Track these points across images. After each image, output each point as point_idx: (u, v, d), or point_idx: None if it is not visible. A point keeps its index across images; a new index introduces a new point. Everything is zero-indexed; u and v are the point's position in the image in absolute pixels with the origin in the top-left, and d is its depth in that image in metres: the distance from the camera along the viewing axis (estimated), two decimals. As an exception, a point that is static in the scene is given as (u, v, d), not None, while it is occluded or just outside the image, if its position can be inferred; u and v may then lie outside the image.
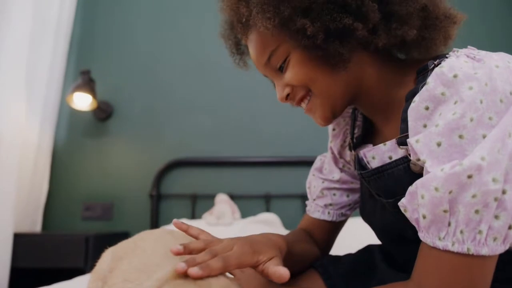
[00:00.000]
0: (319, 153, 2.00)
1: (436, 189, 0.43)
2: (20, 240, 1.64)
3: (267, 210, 2.00)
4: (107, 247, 0.62)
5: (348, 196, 0.80)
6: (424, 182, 0.45)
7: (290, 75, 0.60)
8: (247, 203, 2.03)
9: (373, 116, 0.66)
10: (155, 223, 2.00)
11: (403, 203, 0.49)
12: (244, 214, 1.98)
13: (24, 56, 1.86)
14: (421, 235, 0.47)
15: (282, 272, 0.48)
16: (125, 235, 1.99)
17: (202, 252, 0.48)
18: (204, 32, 2.22)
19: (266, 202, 2.02)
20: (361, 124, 0.73)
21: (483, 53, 0.51)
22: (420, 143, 0.47)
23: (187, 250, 0.48)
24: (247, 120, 2.15)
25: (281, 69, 0.62)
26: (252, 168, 2.10)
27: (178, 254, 0.47)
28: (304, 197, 2.01)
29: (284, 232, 1.81)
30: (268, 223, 1.82)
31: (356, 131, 0.73)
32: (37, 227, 1.97)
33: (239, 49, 0.72)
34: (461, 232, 0.43)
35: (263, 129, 2.14)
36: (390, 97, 0.61)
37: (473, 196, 0.42)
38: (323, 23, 0.54)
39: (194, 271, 0.43)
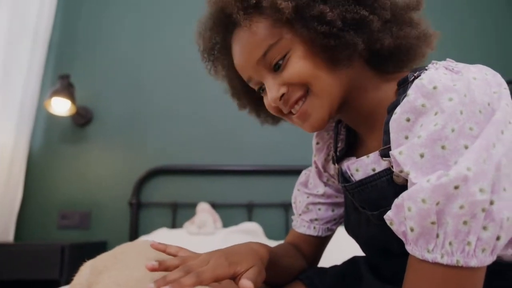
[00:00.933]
0: (302, 162, 2.01)
1: (423, 200, 0.43)
2: (-8, 250, 1.56)
3: (250, 219, 1.98)
4: (85, 259, 0.59)
5: (333, 210, 0.79)
6: (411, 194, 0.45)
7: (291, 70, 0.58)
8: (229, 212, 2.01)
9: (357, 127, 0.66)
10: (134, 232, 1.95)
11: (389, 216, 0.48)
12: (226, 223, 1.95)
13: (0, 59, 1.80)
14: (409, 248, 0.47)
15: (244, 284, 0.46)
16: (103, 245, 1.94)
17: (176, 269, 0.47)
18: (187, 39, 2.19)
19: (249, 211, 2.00)
20: (344, 138, 0.73)
21: (461, 65, 0.52)
22: (404, 155, 0.47)
23: (162, 267, 0.47)
24: (229, 128, 2.13)
25: (276, 67, 0.59)
26: (234, 177, 2.07)
27: (153, 270, 0.46)
28: (286, 206, 2.00)
29: (266, 241, 1.80)
30: (250, 233, 1.80)
31: (339, 144, 0.73)
32: (9, 237, 1.89)
33: (212, 55, 0.68)
34: (450, 243, 0.43)
35: (245, 138, 2.13)
36: (374, 107, 0.61)
37: (461, 207, 0.42)
38: (341, 12, 0.54)
39: None
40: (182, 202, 2.01)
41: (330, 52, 0.56)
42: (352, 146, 0.72)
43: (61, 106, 1.93)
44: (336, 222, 0.80)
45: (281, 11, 0.54)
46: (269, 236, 1.92)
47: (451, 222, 0.42)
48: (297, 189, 0.83)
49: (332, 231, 0.81)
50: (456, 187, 0.42)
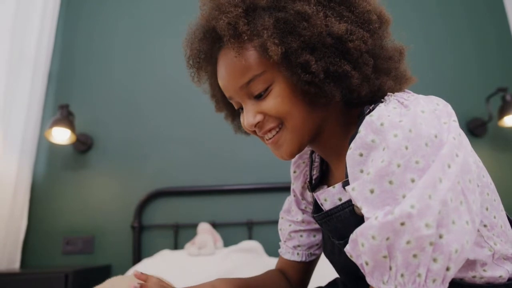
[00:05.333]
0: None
1: (373, 237, 0.45)
2: (-3, 280, 1.60)
3: (250, 237, 2.01)
4: (89, 284, 0.64)
5: (314, 236, 0.82)
6: (362, 230, 0.47)
7: (270, 104, 0.60)
8: (230, 231, 2.03)
9: (327, 157, 0.69)
10: (137, 255, 1.98)
11: (347, 250, 0.51)
12: (227, 242, 1.97)
13: (1, 90, 1.85)
14: (368, 279, 0.49)
15: None
16: (107, 269, 1.97)
17: None
18: (181, 64, 2.24)
19: (249, 229, 2.03)
20: (318, 166, 0.75)
21: (412, 98, 0.54)
22: (356, 191, 0.50)
23: None
24: (226, 148, 2.17)
25: (258, 96, 0.61)
26: (234, 196, 2.11)
27: None
28: (286, 223, 2.02)
29: (267, 259, 1.82)
30: (250, 251, 1.82)
31: (314, 172, 0.76)
32: (16, 264, 1.93)
33: (197, 63, 0.68)
34: (402, 275, 0.45)
35: (243, 157, 2.16)
36: (341, 139, 0.64)
37: (408, 242, 0.44)
38: (325, 64, 0.56)
39: None
40: (183, 223, 2.04)
41: (308, 97, 0.59)
42: (325, 175, 0.74)
43: (61, 136, 1.98)
44: (318, 247, 0.83)
45: (269, 54, 0.56)
46: (270, 253, 1.93)
47: (400, 256, 0.44)
48: (281, 217, 0.86)
49: (316, 256, 0.83)
50: (402, 224, 0.44)
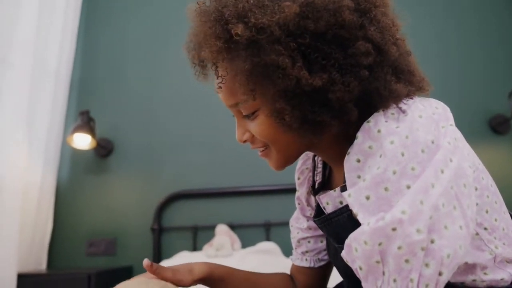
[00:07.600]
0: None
1: (365, 242, 0.46)
2: (24, 280, 1.67)
3: (267, 238, 2.02)
4: (110, 284, 0.67)
5: (321, 241, 0.82)
6: (356, 236, 0.47)
7: (255, 129, 0.60)
8: (248, 232, 2.05)
9: (329, 161, 0.70)
10: (157, 257, 2.02)
11: (343, 255, 0.51)
12: (245, 244, 1.99)
13: (25, 100, 1.93)
14: (363, 284, 0.49)
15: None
16: (128, 270, 2.02)
17: None
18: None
19: (266, 230, 2.04)
20: (321, 171, 0.76)
21: (411, 102, 0.54)
22: (352, 198, 0.50)
23: None
24: (242, 149, 2.18)
25: (247, 116, 0.60)
26: (251, 197, 2.12)
27: None
28: (303, 224, 2.01)
29: (284, 260, 1.82)
30: (267, 252, 1.83)
31: (317, 178, 0.76)
32: (42, 266, 2.01)
33: (202, 62, 0.65)
34: (395, 280, 0.45)
35: (260, 158, 2.17)
36: (342, 146, 0.62)
37: (399, 248, 0.44)
38: (302, 112, 0.53)
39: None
40: (201, 225, 2.07)
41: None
42: (328, 179, 0.75)
43: (82, 141, 2.05)
44: (326, 252, 0.82)
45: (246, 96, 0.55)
46: (287, 254, 1.93)
47: (392, 261, 0.45)
48: (291, 225, 0.86)
49: (325, 261, 0.83)
50: (393, 229, 0.44)
